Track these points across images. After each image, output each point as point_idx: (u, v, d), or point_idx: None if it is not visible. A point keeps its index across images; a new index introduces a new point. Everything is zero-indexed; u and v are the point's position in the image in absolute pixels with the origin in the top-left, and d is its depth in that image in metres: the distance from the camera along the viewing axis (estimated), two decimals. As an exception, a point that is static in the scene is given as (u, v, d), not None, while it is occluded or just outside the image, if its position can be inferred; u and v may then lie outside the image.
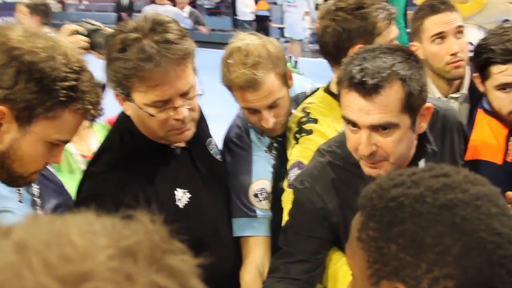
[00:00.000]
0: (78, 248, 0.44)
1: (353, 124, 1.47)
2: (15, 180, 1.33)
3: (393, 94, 1.41)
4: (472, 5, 3.48)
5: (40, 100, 1.20)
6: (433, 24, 2.27)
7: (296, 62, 12.13)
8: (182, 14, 9.92)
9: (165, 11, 9.89)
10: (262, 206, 1.93)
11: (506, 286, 0.83)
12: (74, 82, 1.24)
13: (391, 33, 1.90)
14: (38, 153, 1.28)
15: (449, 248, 0.81)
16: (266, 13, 15.20)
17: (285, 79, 1.92)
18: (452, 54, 2.24)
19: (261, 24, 14.63)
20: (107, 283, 0.42)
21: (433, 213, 0.84)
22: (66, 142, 1.35)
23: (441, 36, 2.26)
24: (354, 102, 1.43)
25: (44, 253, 0.43)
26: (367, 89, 1.40)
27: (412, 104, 1.43)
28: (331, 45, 1.89)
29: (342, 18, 1.86)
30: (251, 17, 14.89)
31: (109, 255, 0.44)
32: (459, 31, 2.26)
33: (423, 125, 1.54)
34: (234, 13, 16.76)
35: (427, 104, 1.51)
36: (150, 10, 9.89)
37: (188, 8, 9.78)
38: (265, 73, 1.80)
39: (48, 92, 1.21)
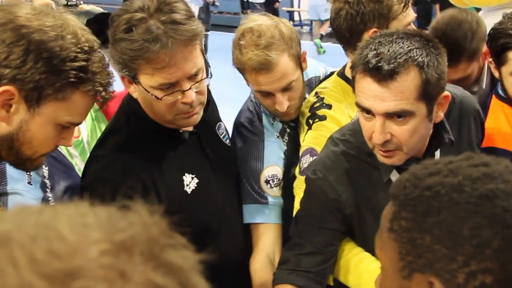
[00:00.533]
0: (67, 242, 0.40)
1: (367, 111, 1.42)
2: (23, 163, 1.30)
3: (409, 80, 1.36)
4: None
5: (49, 80, 1.18)
6: None
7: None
8: None
9: None
10: (273, 193, 1.89)
11: None
12: (84, 63, 1.21)
13: (408, 17, 1.83)
14: (48, 136, 1.26)
15: (488, 241, 0.77)
16: None
17: (299, 61, 1.87)
18: None
19: (271, 7, 14.60)
20: (99, 281, 0.39)
21: (472, 203, 0.79)
22: (77, 124, 1.32)
23: None
24: (368, 88, 1.39)
25: (29, 247, 0.40)
26: (383, 75, 1.35)
27: (429, 92, 1.38)
28: (345, 28, 1.82)
29: (356, 1, 1.79)
30: (261, -1, 14.89)
31: (102, 250, 0.41)
32: None
33: (440, 114, 1.48)
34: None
35: (445, 93, 1.46)
36: None
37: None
38: (278, 54, 1.75)
39: (57, 72, 1.18)
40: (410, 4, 1.83)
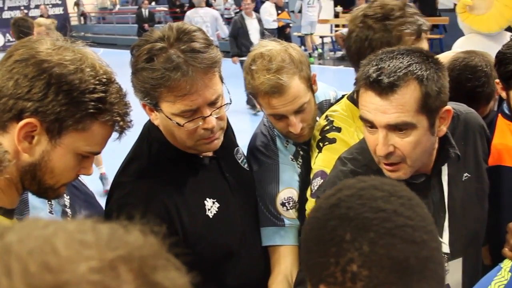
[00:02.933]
0: (60, 257, 0.43)
1: (371, 124, 1.46)
2: (45, 192, 1.32)
3: (409, 93, 1.40)
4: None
5: (69, 112, 1.21)
6: None
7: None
8: (220, 18, 10.35)
9: (205, 13, 10.27)
10: (289, 215, 1.91)
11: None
12: (102, 94, 1.24)
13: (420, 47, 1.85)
14: (69, 165, 1.29)
15: (342, 236, 0.86)
16: (288, 21, 15.55)
17: (310, 83, 1.91)
18: None
19: (283, 33, 14.85)
20: None
21: (325, 213, 0.91)
22: (96, 153, 1.34)
23: None
24: (370, 102, 1.43)
25: (25, 260, 0.43)
26: (383, 88, 1.40)
27: (429, 105, 1.42)
28: (353, 50, 1.87)
29: (367, 26, 1.83)
30: (274, 25, 15.08)
31: (91, 268, 0.43)
32: None
33: (443, 128, 1.52)
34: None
35: (447, 107, 1.49)
36: (191, 13, 10.35)
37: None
38: (289, 77, 1.79)
39: (77, 104, 1.21)
40: (423, 35, 1.86)
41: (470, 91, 2.24)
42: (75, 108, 1.21)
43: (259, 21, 10.06)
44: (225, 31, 10.41)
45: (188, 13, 11.03)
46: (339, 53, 16.50)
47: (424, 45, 1.85)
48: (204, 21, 10.19)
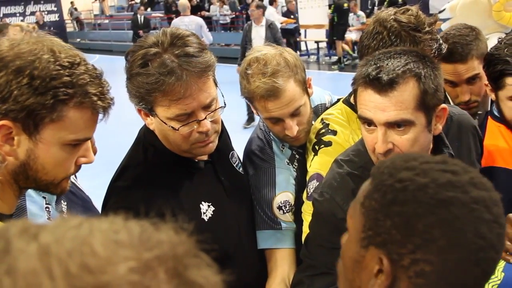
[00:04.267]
0: (100, 258, 0.44)
1: (369, 123, 1.48)
2: (46, 188, 1.30)
3: (408, 90, 1.42)
4: None
5: (38, 104, 1.16)
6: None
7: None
8: (205, 25, 10.25)
9: (191, 21, 10.24)
10: (286, 219, 1.92)
11: (477, 284, 0.93)
12: (68, 78, 1.18)
13: None
14: (59, 159, 1.25)
15: (435, 239, 0.88)
16: (293, 25, 15.82)
17: (305, 86, 1.92)
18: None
19: (291, 38, 15.07)
20: None
21: (431, 204, 0.90)
22: (85, 139, 1.29)
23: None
24: (369, 100, 1.45)
25: (66, 261, 0.43)
26: (383, 85, 1.41)
27: (427, 102, 1.44)
28: (371, 50, 1.81)
29: (397, 31, 1.79)
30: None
31: (130, 268, 0.44)
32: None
33: (439, 126, 1.54)
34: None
35: (443, 105, 1.51)
36: (177, 22, 10.34)
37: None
38: (285, 81, 1.80)
39: (43, 94, 1.16)
40: (439, 58, 1.85)
41: (460, 38, 2.30)
42: (42, 99, 1.16)
43: (270, 27, 9.68)
44: (209, 37, 10.22)
45: (174, 21, 11.04)
46: (334, 58, 16.55)
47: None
48: (189, 29, 10.11)
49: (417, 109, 1.43)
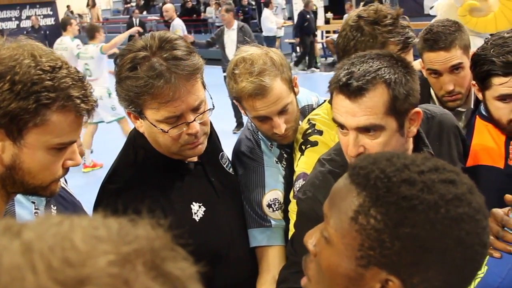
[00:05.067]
0: (80, 253, 0.46)
1: (342, 126, 1.51)
2: (34, 192, 1.31)
3: (377, 96, 1.44)
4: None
5: (20, 109, 1.16)
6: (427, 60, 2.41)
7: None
8: (185, 30, 10.49)
9: (174, 25, 10.23)
10: (276, 216, 1.95)
11: (471, 280, 0.94)
12: (49, 82, 1.18)
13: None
14: (45, 163, 1.25)
15: (452, 259, 0.87)
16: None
17: (291, 85, 1.96)
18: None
19: (307, 38, 15.26)
20: None
21: (444, 224, 0.87)
22: (70, 143, 1.29)
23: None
24: (341, 105, 1.48)
25: (48, 256, 0.45)
26: (352, 91, 1.44)
27: (397, 107, 1.46)
28: (340, 47, 1.93)
29: (356, 26, 1.89)
30: (274, 32, 15.19)
31: (109, 261, 0.46)
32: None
33: (413, 129, 1.56)
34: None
35: (416, 109, 1.54)
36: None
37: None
38: (271, 79, 1.84)
39: (25, 99, 1.16)
40: (407, 50, 1.90)
41: (443, 28, 2.36)
42: (24, 103, 1.16)
43: (241, 29, 9.48)
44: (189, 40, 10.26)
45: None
46: (330, 59, 16.60)
47: (408, 56, 1.88)
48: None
49: (387, 114, 1.46)
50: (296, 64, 15.75)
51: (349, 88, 1.44)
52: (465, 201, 0.89)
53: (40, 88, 1.17)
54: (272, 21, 15.12)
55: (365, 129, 1.48)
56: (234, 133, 9.29)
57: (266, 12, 15.21)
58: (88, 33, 8.71)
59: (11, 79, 1.15)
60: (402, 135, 1.53)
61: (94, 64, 8.28)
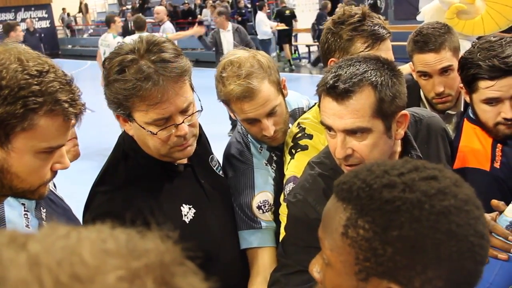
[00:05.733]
0: (89, 267, 0.45)
1: (329, 128, 1.53)
2: (23, 195, 1.31)
3: (364, 99, 1.46)
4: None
5: (8, 114, 1.16)
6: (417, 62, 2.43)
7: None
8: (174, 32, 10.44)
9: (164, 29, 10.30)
10: (266, 218, 1.95)
11: (478, 276, 0.92)
12: (36, 87, 1.18)
13: None
14: (33, 167, 1.25)
15: (446, 254, 0.86)
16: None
17: (280, 87, 1.97)
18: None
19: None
20: None
21: (431, 220, 0.86)
22: (58, 147, 1.29)
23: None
24: (328, 107, 1.50)
25: (56, 271, 0.44)
26: (339, 94, 1.46)
27: (384, 109, 1.48)
28: (322, 52, 1.99)
29: (328, 29, 1.95)
30: (269, 35, 15.17)
31: (119, 277, 0.45)
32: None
33: (400, 132, 1.57)
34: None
35: (403, 112, 1.55)
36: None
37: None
38: (259, 82, 1.85)
39: (12, 104, 1.16)
40: (377, 45, 1.92)
41: (433, 30, 2.39)
42: (12, 108, 1.16)
43: (236, 31, 9.61)
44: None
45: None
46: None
47: (383, 53, 1.86)
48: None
49: (373, 116, 1.47)
50: (314, 64, 15.89)
51: (336, 91, 1.46)
52: (450, 194, 0.88)
53: (28, 93, 1.17)
54: (266, 24, 15.11)
55: (352, 131, 1.49)
56: (229, 135, 9.28)
57: (260, 15, 15.18)
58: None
59: None
60: (389, 137, 1.54)
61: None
